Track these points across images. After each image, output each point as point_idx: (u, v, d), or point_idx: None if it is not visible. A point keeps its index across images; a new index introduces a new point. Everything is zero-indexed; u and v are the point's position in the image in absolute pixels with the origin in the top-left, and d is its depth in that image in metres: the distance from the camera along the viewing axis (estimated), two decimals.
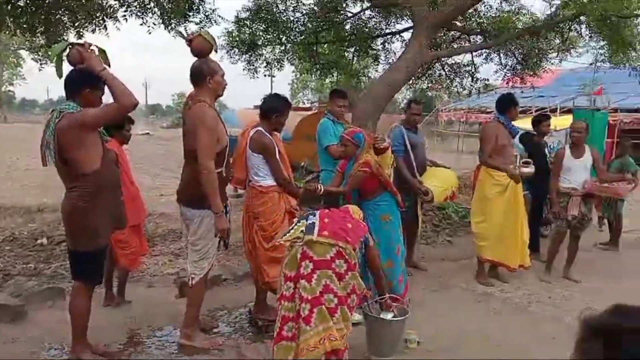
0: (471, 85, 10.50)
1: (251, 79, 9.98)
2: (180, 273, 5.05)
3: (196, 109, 3.58)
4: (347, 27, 9.95)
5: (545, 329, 4.36)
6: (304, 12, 9.41)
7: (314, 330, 3.01)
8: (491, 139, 5.46)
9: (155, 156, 16.92)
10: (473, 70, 10.15)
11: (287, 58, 9.99)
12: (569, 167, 5.62)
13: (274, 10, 9.08)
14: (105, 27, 7.44)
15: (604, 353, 0.97)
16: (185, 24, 7.85)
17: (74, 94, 3.29)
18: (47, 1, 6.58)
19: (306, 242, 3.11)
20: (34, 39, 7.66)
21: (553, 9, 8.21)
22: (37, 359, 3.61)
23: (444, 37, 9.75)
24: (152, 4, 7.35)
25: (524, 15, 9.22)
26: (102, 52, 3.37)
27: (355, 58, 10.36)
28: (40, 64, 8.56)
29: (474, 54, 9.75)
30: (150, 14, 7.46)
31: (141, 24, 7.48)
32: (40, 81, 77.07)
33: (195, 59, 3.74)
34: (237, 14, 9.12)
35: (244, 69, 9.69)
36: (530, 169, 5.55)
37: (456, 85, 10.64)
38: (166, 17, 7.54)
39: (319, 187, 4.21)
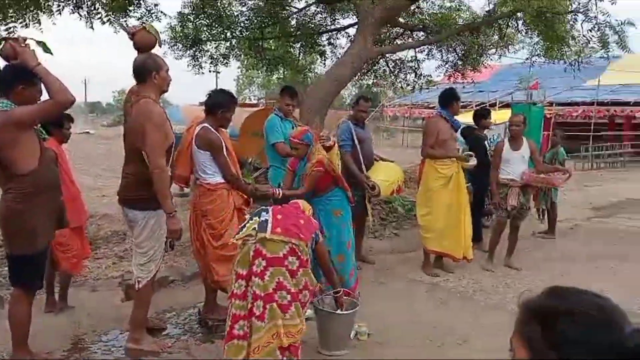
0: (414, 81, 10.69)
1: (196, 75, 9.78)
2: (125, 276, 4.91)
3: (141, 106, 3.48)
4: (293, 22, 9.93)
5: (489, 316, 4.51)
6: (249, 7, 9.32)
7: (267, 326, 3.01)
8: (433, 132, 5.60)
9: (95, 156, 16.35)
10: (416, 66, 10.36)
11: (233, 54, 9.86)
12: (508, 159, 5.84)
13: (218, 5, 8.93)
14: (39, 22, 7.11)
15: (542, 334, 1.01)
16: (125, 19, 7.61)
17: (7, 91, 3.14)
18: None
19: (259, 239, 3.09)
20: None
21: (491, 6, 8.47)
22: None
23: (388, 34, 9.89)
24: None
25: (464, 11, 9.48)
26: (42, 44, 3.22)
27: (301, 54, 10.35)
28: None
29: (417, 50, 9.94)
30: (86, 8, 7.18)
31: (76, 18, 7.20)
32: None
33: (138, 53, 3.64)
34: (180, 9, 8.92)
35: (188, 65, 9.50)
36: (472, 162, 5.73)
37: (400, 81, 10.83)
38: (105, 11, 7.29)
39: (278, 192, 4.19)
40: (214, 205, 3.96)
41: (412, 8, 9.12)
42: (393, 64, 10.43)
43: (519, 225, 6.07)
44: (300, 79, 10.84)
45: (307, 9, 9.72)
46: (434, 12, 9.43)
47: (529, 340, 1.04)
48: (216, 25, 8.99)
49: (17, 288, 3.34)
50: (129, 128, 3.63)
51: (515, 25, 8.52)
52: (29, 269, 3.27)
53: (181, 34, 9.03)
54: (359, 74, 9.40)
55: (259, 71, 12.55)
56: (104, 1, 7.17)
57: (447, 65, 10.04)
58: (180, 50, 9.19)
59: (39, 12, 7.02)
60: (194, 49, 9.27)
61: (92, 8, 7.30)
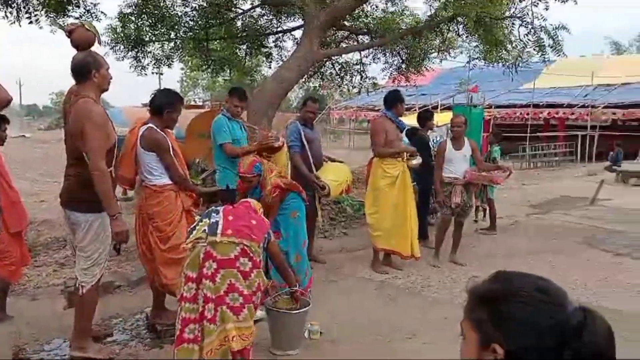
0: (360, 84, 10.85)
1: (138, 76, 9.53)
2: (68, 282, 4.72)
3: (80, 106, 3.36)
4: (238, 24, 9.87)
5: (437, 310, 4.64)
6: (193, 7, 9.18)
7: (219, 329, 2.97)
8: (381, 132, 5.71)
9: (32, 160, 15.66)
10: (362, 69, 10.52)
11: (177, 55, 9.69)
12: (451, 159, 6.03)
13: (161, 4, 8.75)
14: None
15: (489, 316, 1.06)
16: (63, 19, 7.34)
17: None
18: None
19: (209, 242, 3.03)
20: None
21: (433, 11, 8.71)
22: None
23: (334, 37, 9.99)
24: None
25: (407, 16, 9.70)
26: None
27: (247, 55, 10.29)
28: None
29: (362, 53, 10.11)
30: (16, 6, 6.87)
31: (3, 17, 6.87)
32: None
33: (76, 52, 3.52)
34: (120, 8, 8.66)
35: (130, 66, 9.26)
36: (417, 161, 5.87)
37: (347, 84, 10.96)
38: (41, 11, 7.01)
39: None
40: (161, 208, 3.86)
41: (356, 12, 9.25)
42: (339, 67, 10.55)
43: (463, 222, 6.27)
44: (247, 81, 10.77)
45: (253, 10, 9.68)
46: (378, 16, 9.61)
47: (477, 323, 1.08)
48: (159, 26, 8.81)
49: None
50: (68, 129, 3.50)
51: (456, 29, 8.80)
52: None
53: (122, 35, 8.79)
54: (305, 76, 9.45)
55: (204, 73, 12.36)
56: (40, 0, 6.89)
57: (391, 69, 10.24)
58: (121, 51, 8.94)
59: None
60: (136, 49, 9.04)
61: (24, 7, 7.00)
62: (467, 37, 8.79)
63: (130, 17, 8.68)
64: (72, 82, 3.56)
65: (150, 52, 9.30)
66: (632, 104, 19.78)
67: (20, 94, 50.94)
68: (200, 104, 19.97)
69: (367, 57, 10.30)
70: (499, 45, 8.03)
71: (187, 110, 8.89)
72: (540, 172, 17.82)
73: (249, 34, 9.57)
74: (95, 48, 3.78)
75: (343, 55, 10.10)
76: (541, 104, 22.03)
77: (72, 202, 3.51)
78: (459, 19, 7.96)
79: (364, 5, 9.14)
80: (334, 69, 10.55)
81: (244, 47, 10.09)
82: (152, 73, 9.81)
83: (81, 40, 3.52)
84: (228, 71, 10.64)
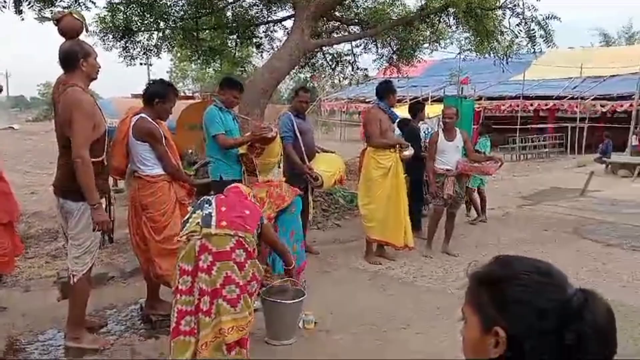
0: (352, 74, 10.83)
1: (128, 67, 9.42)
2: (61, 274, 4.68)
3: (69, 94, 3.33)
4: (229, 13, 9.77)
5: (430, 300, 4.67)
6: None
7: (214, 321, 2.97)
8: (376, 121, 5.71)
9: (22, 152, 15.48)
10: (353, 60, 10.49)
11: (166, 45, 9.59)
12: (443, 150, 6.04)
13: None
14: None
15: (490, 299, 1.06)
16: (51, 8, 7.23)
17: None
18: None
19: (204, 235, 3.01)
20: None
21: (424, 1, 8.68)
22: None
23: (325, 27, 9.94)
24: None
25: (397, 6, 9.67)
26: None
27: (237, 46, 10.21)
28: None
29: (353, 44, 10.07)
30: None
31: None
32: None
33: (64, 40, 3.48)
34: None
35: (119, 56, 9.14)
36: (409, 152, 5.88)
37: (338, 74, 10.93)
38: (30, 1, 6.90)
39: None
40: (154, 198, 3.83)
41: (347, 1, 9.21)
42: (330, 57, 10.51)
43: (455, 212, 6.30)
44: (237, 71, 10.69)
45: (243, 0, 9.60)
46: (369, 6, 9.57)
47: (478, 307, 1.09)
48: (148, 15, 8.70)
49: None
50: (58, 118, 3.47)
51: (447, 20, 8.78)
52: None
53: (111, 24, 8.68)
54: (297, 66, 9.40)
55: (194, 63, 12.26)
56: None
57: (382, 59, 10.22)
58: (110, 41, 8.84)
59: None
60: (125, 39, 8.94)
61: None
62: (457, 28, 8.78)
63: (119, 6, 8.57)
64: (61, 72, 3.53)
65: (139, 41, 9.19)
66: (621, 96, 19.93)
67: (7, 85, 50.35)
68: (190, 94, 19.80)
69: (358, 47, 10.28)
70: (490, 37, 8.03)
71: (178, 101, 8.81)
72: (530, 164, 17.94)
73: (240, 23, 9.49)
74: (83, 37, 3.74)
75: (334, 46, 10.06)
76: (531, 95, 22.14)
77: (64, 191, 3.49)
78: (450, 9, 7.95)
79: None
80: (325, 59, 10.51)
81: (234, 37, 10.00)
82: (141, 64, 9.72)
83: (68, 28, 3.48)
84: (218, 62, 10.55)
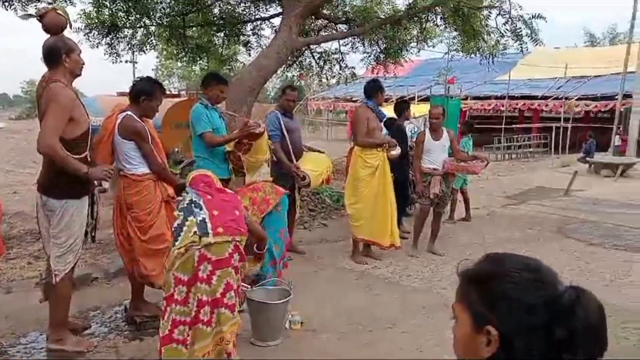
0: (339, 73, 10.83)
1: (113, 64, 9.33)
2: (44, 274, 4.61)
3: (50, 90, 3.29)
4: (216, 11, 9.71)
5: (416, 299, 4.68)
6: None
7: (215, 330, 2.96)
8: (364, 120, 5.70)
9: (4, 151, 15.25)
10: (341, 58, 10.49)
11: (152, 42, 9.50)
12: (429, 149, 6.06)
13: None
14: None
15: (481, 297, 1.06)
16: (35, 4, 7.13)
17: None
18: None
19: (204, 245, 2.92)
20: None
21: (412, 0, 8.70)
22: None
23: (313, 25, 9.92)
24: None
25: (385, 5, 9.69)
26: None
27: (225, 43, 10.15)
28: None
29: (341, 42, 10.06)
30: None
31: None
32: None
33: (48, 36, 3.43)
34: None
35: (105, 53, 9.05)
36: (397, 152, 5.88)
37: (325, 73, 10.93)
38: None
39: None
40: (140, 197, 3.79)
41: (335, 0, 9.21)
42: (318, 56, 10.50)
43: (442, 212, 6.33)
44: (225, 69, 10.64)
45: None
46: (357, 4, 9.57)
47: (469, 304, 1.08)
48: (134, 11, 8.62)
49: None
50: (41, 114, 3.42)
51: (434, 19, 8.81)
52: None
53: (96, 20, 8.58)
54: (284, 65, 9.37)
55: (180, 61, 12.16)
56: None
57: (370, 58, 10.23)
58: (95, 37, 8.74)
59: None
60: (110, 36, 8.84)
61: None
62: (445, 27, 8.81)
63: (104, 2, 8.47)
64: (45, 69, 3.47)
65: (125, 37, 9.10)
66: (604, 96, 20.17)
67: None
68: (176, 92, 19.66)
69: (345, 45, 10.28)
70: (477, 36, 8.07)
71: (163, 99, 8.73)
72: (515, 164, 18.09)
73: (227, 21, 9.44)
74: (68, 33, 3.69)
75: (322, 45, 10.06)
76: (516, 95, 22.32)
77: (47, 188, 3.44)
78: (437, 8, 7.98)
79: None
80: (313, 57, 10.50)
81: (222, 34, 9.95)
82: (127, 61, 9.64)
83: (52, 24, 3.43)
84: (205, 60, 10.48)
